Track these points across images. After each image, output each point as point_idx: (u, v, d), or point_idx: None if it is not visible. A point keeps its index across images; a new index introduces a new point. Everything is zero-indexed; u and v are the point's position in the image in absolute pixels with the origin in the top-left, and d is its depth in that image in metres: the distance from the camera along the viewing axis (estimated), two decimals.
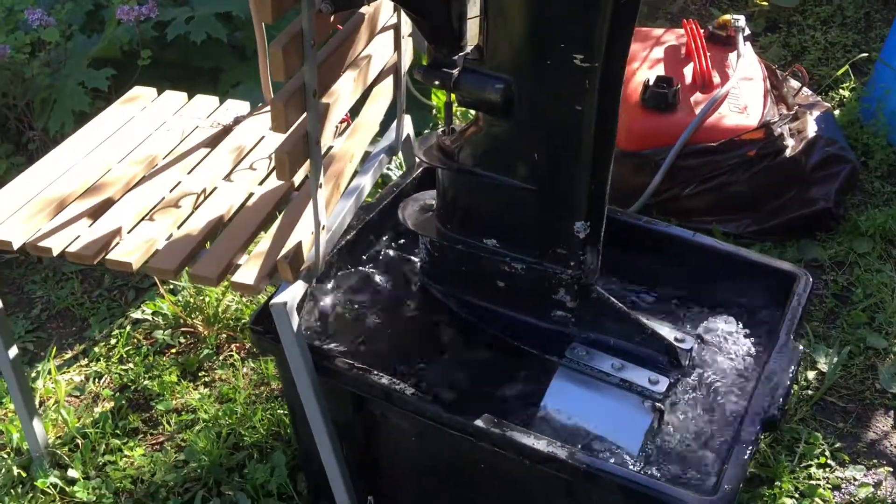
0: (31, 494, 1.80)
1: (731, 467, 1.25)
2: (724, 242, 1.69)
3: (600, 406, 1.44)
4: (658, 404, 1.42)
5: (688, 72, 2.55)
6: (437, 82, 1.37)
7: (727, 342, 1.54)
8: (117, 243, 1.50)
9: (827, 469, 1.84)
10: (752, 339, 1.56)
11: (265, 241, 1.49)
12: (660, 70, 2.56)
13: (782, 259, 1.84)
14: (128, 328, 2.20)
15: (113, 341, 2.17)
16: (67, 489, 1.80)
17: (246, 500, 1.78)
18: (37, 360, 2.14)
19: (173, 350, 2.15)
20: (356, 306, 1.66)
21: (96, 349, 2.16)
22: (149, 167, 1.71)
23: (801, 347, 1.46)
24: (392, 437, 1.54)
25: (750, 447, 1.28)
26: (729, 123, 2.38)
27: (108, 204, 1.60)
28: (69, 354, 2.17)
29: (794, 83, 2.64)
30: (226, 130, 1.80)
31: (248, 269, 1.44)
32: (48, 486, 1.80)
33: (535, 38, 1.25)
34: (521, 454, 1.31)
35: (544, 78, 1.28)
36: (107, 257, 1.47)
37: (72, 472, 1.83)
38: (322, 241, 1.43)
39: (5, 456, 1.89)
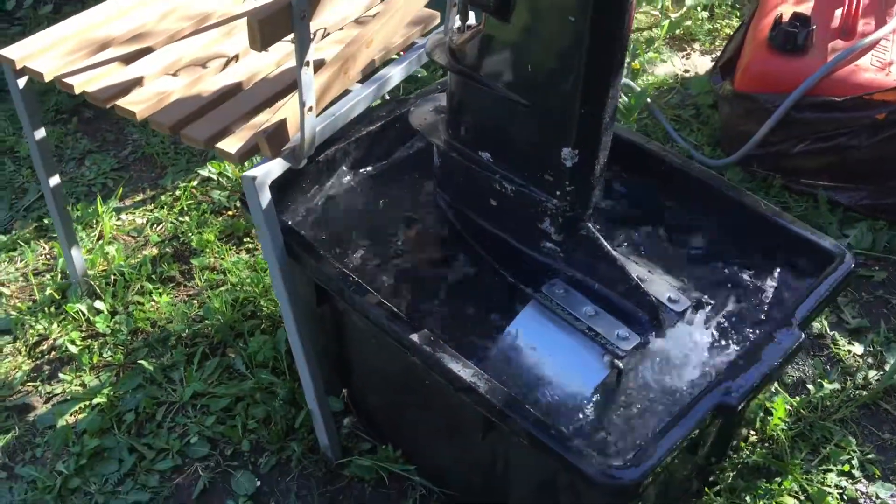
0: (61, 316, 1.94)
1: (654, 445, 1.12)
2: (765, 202, 1.49)
3: (560, 349, 1.34)
4: (617, 361, 1.29)
5: (837, 14, 2.23)
6: None
7: (728, 313, 1.38)
8: (132, 92, 1.53)
9: (849, 479, 1.63)
10: (760, 317, 1.38)
11: (267, 113, 1.47)
12: (805, 7, 2.26)
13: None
14: (194, 183, 2.28)
15: (178, 193, 2.26)
16: (91, 318, 1.92)
17: (241, 365, 1.83)
18: (110, 196, 2.27)
19: (229, 213, 2.21)
20: (361, 201, 1.61)
21: (163, 197, 2.26)
22: (198, 24, 1.72)
23: (803, 338, 1.28)
24: (356, 335, 1.51)
25: (687, 428, 1.15)
26: (862, 78, 2.07)
27: (143, 52, 1.63)
28: (139, 197, 2.28)
29: None
30: None
31: (234, 138, 1.43)
32: (76, 312, 1.93)
33: None
34: (446, 377, 1.24)
35: None
36: (116, 103, 1.51)
37: (99, 304, 1.94)
38: (308, 122, 1.39)
39: (50, 278, 2.04)
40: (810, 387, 1.77)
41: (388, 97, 1.91)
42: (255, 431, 1.73)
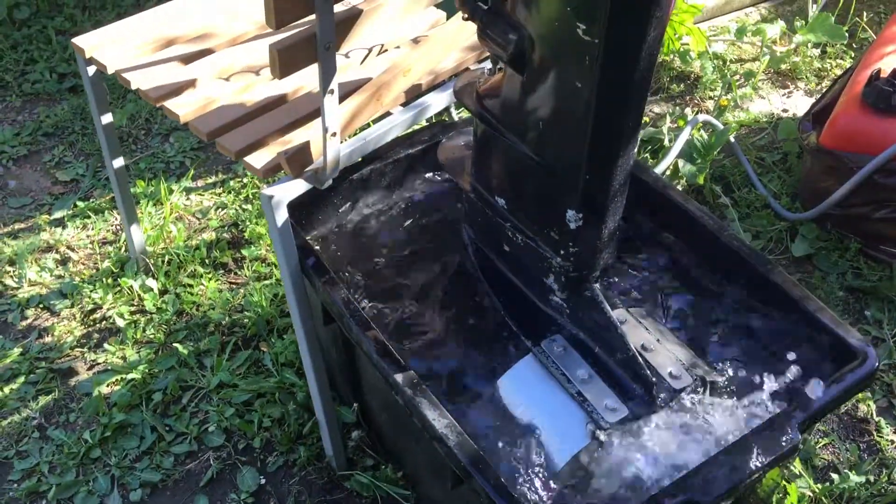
0: (117, 289, 2.05)
1: None
2: (795, 282, 1.40)
3: (547, 409, 1.31)
4: (599, 433, 1.26)
5: None
6: (468, 13, 1.24)
7: (730, 398, 1.31)
8: (183, 93, 1.58)
9: None
10: (763, 408, 1.30)
11: (302, 130, 1.49)
12: None
13: None
14: None
15: (245, 180, 2.33)
16: (141, 294, 2.02)
17: (268, 361, 1.88)
18: (185, 174, 2.36)
19: None
20: (388, 224, 1.62)
21: (232, 182, 2.34)
22: (261, 29, 1.75)
23: (798, 441, 1.20)
24: (361, 356, 1.52)
25: None
26: None
27: (204, 54, 1.68)
28: (211, 179, 2.37)
29: None
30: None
31: (264, 153, 1.46)
32: (129, 287, 2.03)
33: None
34: (421, 423, 1.24)
35: (551, 40, 1.11)
36: (164, 104, 1.56)
37: (151, 282, 2.04)
38: (331, 147, 1.40)
39: (114, 250, 2.14)
40: (835, 476, 1.66)
41: (434, 119, 1.91)
42: (268, 430, 1.78)
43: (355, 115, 1.45)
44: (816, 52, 2.65)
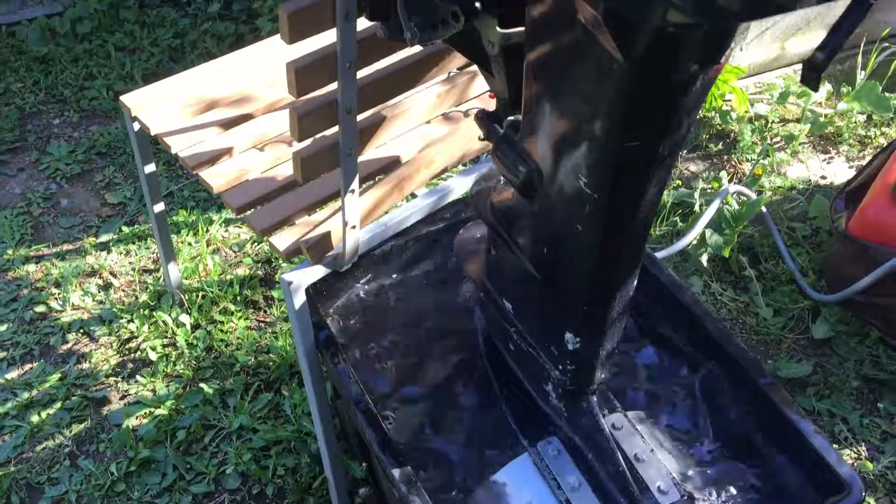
0: (152, 320, 2.15)
1: None
2: (797, 406, 1.42)
3: None
4: None
5: None
6: (485, 133, 1.28)
7: None
8: (218, 163, 1.66)
9: None
10: None
11: (329, 209, 1.56)
12: None
13: None
14: None
15: None
16: (174, 329, 2.12)
17: (288, 407, 1.97)
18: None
19: None
20: (403, 302, 1.67)
21: None
22: None
23: None
24: None
25: None
26: None
27: (243, 119, 1.75)
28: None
29: None
30: None
31: (288, 234, 1.52)
32: (162, 321, 2.13)
33: (554, 140, 1.12)
34: None
35: (556, 184, 1.15)
36: (200, 173, 1.64)
37: (184, 318, 2.13)
38: (350, 237, 1.46)
39: (153, 280, 2.25)
40: None
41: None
42: (282, 477, 1.87)
43: (376, 206, 1.50)
44: (862, 118, 2.62)
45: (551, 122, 1.09)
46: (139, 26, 3.01)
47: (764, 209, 2.29)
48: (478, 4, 1.12)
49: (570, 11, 0.90)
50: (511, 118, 1.24)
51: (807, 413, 1.96)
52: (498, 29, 1.14)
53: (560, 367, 1.33)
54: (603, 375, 1.36)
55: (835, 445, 1.90)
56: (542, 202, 1.21)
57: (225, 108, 1.77)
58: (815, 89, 0.80)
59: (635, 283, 1.25)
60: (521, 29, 1.11)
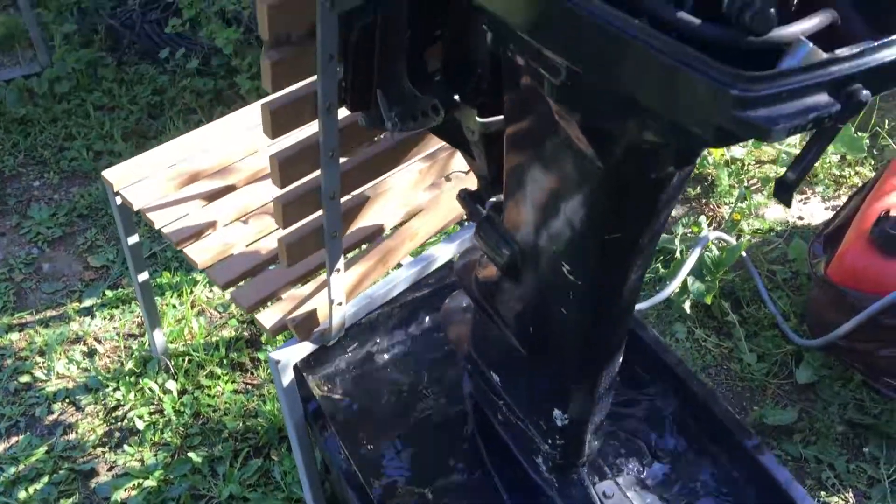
0: (138, 386, 2.14)
1: None
2: (786, 469, 1.44)
3: None
4: None
5: None
6: (468, 214, 1.30)
7: None
8: (202, 237, 1.66)
9: None
10: None
11: (315, 282, 1.56)
12: None
13: None
14: None
15: None
16: (161, 396, 2.11)
17: (278, 473, 1.96)
18: None
19: None
20: (391, 372, 1.68)
21: None
22: None
23: None
24: None
25: None
26: None
27: (226, 191, 1.76)
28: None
29: None
30: None
31: (273, 311, 1.53)
32: (149, 388, 2.12)
33: (535, 228, 1.13)
34: None
35: (539, 267, 1.17)
36: (184, 249, 1.64)
37: (171, 384, 2.13)
38: (337, 313, 1.47)
39: (137, 346, 2.24)
40: None
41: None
42: None
43: (362, 280, 1.51)
44: (836, 158, 2.66)
45: (532, 211, 1.11)
46: (117, 84, 3.02)
47: (744, 253, 2.32)
48: (457, 97, 1.14)
49: (550, 117, 0.92)
50: (493, 199, 1.26)
51: (793, 460, 1.98)
52: (477, 118, 1.16)
53: (549, 441, 1.34)
54: (595, 444, 1.37)
55: (822, 493, 1.92)
56: (527, 284, 1.22)
57: (207, 179, 1.78)
58: (788, 205, 0.82)
59: (621, 359, 1.26)
60: (501, 118, 1.13)
